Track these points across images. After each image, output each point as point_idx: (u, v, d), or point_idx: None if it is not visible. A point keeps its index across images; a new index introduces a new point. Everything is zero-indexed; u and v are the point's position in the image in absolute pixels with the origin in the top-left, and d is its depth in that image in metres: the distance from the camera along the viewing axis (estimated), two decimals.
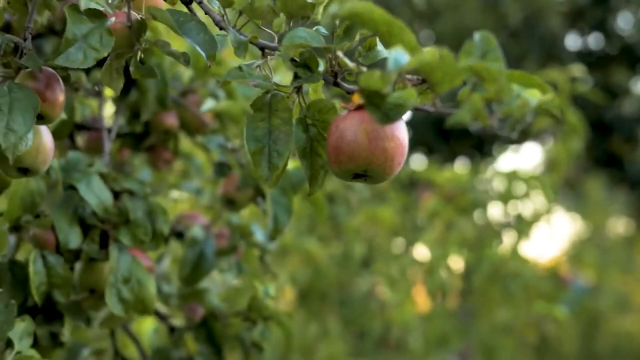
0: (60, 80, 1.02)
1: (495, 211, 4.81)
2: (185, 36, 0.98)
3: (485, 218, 4.73)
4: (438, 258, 4.06)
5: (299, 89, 0.96)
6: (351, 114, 0.89)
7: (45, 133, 1.02)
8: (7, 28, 1.19)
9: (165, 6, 1.08)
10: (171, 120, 1.51)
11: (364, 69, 0.87)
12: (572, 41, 8.72)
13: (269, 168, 0.93)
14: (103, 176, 1.28)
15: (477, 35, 0.79)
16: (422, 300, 4.37)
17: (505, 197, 4.23)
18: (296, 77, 0.93)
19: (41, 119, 0.98)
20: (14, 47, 1.00)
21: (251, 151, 0.93)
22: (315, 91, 0.99)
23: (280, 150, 0.94)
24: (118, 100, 1.48)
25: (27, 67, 0.99)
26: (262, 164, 0.93)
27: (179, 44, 1.30)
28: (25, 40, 1.02)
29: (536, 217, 4.32)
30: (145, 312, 1.28)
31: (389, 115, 0.79)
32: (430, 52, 0.75)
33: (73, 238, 1.22)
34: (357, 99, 0.89)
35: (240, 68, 0.94)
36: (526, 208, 4.34)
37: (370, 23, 0.81)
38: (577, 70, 3.59)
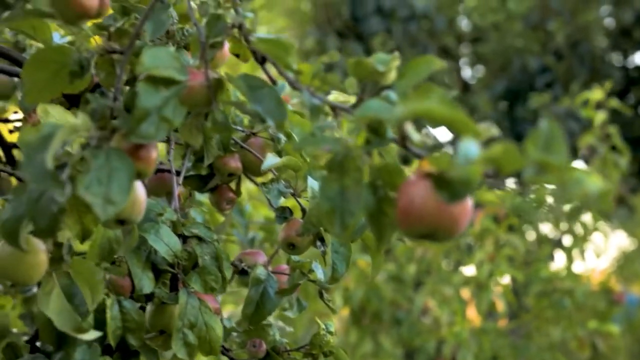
0: None
1: (545, 228, 4.79)
2: (257, 104, 1.03)
3: (535, 235, 4.72)
4: (489, 276, 4.07)
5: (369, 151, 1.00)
6: (420, 179, 0.92)
7: (139, 186, 1.07)
8: (94, 88, 1.24)
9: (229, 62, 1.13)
10: (235, 163, 1.56)
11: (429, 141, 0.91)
12: (617, 59, 8.66)
13: (341, 227, 0.97)
14: (172, 223, 1.34)
15: (543, 124, 0.82)
16: (474, 318, 4.37)
17: (556, 214, 4.22)
18: (367, 142, 0.97)
19: (136, 175, 1.02)
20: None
21: (325, 211, 0.97)
22: (384, 153, 1.03)
23: (352, 210, 0.98)
24: (184, 145, 1.54)
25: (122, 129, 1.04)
26: (335, 223, 0.97)
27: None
28: (115, 100, 1.08)
29: (587, 234, 4.30)
30: (211, 353, 1.33)
31: (455, 193, 0.83)
32: (498, 148, 0.80)
33: (146, 283, 1.28)
34: (425, 165, 0.92)
35: (313, 133, 0.98)
36: (577, 225, 4.32)
37: (434, 120, 0.86)
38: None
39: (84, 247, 1.27)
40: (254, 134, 1.60)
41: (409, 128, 0.96)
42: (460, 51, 9.28)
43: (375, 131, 0.97)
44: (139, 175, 1.04)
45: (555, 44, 8.19)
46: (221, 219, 1.84)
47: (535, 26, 8.40)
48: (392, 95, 0.97)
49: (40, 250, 1.13)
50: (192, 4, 1.21)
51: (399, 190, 0.95)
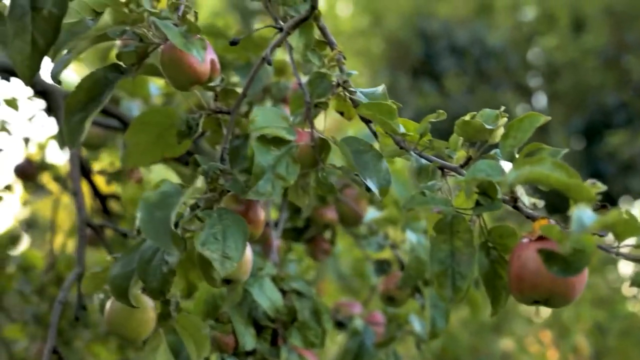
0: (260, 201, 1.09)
1: (626, 268, 4.69)
2: (361, 170, 1.03)
3: (616, 275, 4.61)
4: (571, 318, 3.99)
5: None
6: (533, 243, 0.91)
7: (248, 247, 1.09)
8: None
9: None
10: (331, 214, 1.57)
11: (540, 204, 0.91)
12: None
13: (452, 290, 0.97)
14: (273, 277, 1.35)
15: None
16: None
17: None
18: (477, 204, 0.97)
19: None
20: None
21: (435, 273, 0.97)
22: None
23: (463, 273, 0.97)
24: (282, 197, 1.55)
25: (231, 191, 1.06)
26: (446, 285, 0.97)
27: None
28: (223, 161, 1.10)
29: None
30: None
31: (570, 265, 0.81)
32: (614, 214, 0.79)
33: (249, 340, 1.29)
34: (538, 228, 0.91)
35: (423, 193, 0.98)
36: None
37: (548, 184, 0.85)
38: None
39: (188, 303, 1.29)
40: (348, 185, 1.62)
41: (520, 190, 0.96)
42: (535, 88, 9.19)
43: (485, 192, 0.97)
44: (249, 237, 1.05)
45: (632, 79, 8.05)
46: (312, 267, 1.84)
47: (610, 62, 8.27)
48: (500, 154, 0.97)
49: (149, 307, 1.15)
50: (292, 57, 1.23)
51: (511, 252, 0.94)
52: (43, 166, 2.11)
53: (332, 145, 1.10)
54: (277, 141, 1.06)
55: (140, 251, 1.07)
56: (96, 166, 2.01)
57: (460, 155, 1.05)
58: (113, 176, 1.85)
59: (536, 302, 0.93)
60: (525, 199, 0.95)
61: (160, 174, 1.24)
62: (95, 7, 1.03)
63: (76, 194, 1.47)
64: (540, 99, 9.37)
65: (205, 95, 1.22)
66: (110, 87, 1.03)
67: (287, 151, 1.06)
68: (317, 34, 1.20)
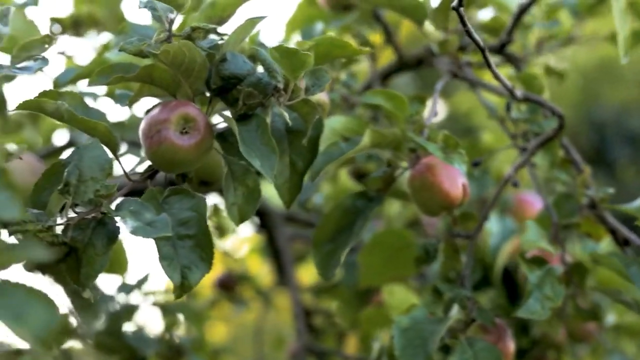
0: (508, 329, 1.04)
1: None
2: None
3: None
4: None
5: None
6: None
7: None
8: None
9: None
10: (561, 335, 1.48)
11: None
12: None
13: None
14: None
15: None
16: None
17: None
18: None
19: None
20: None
21: None
22: None
23: None
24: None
25: (476, 321, 1.02)
26: None
27: None
28: (463, 287, 1.06)
29: None
30: None
31: None
32: None
33: None
34: None
35: None
36: None
37: None
38: None
39: None
40: None
41: None
42: None
43: None
44: None
45: None
46: None
47: None
48: None
49: None
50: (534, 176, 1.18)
51: None
52: (243, 278, 2.11)
53: (588, 267, 1.05)
54: (538, 261, 1.03)
55: None
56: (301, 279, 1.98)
57: None
58: (322, 290, 1.82)
59: None
60: None
61: (402, 297, 1.21)
62: (345, 132, 1.02)
63: (297, 317, 1.45)
64: None
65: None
66: (361, 216, 1.00)
67: (547, 271, 1.02)
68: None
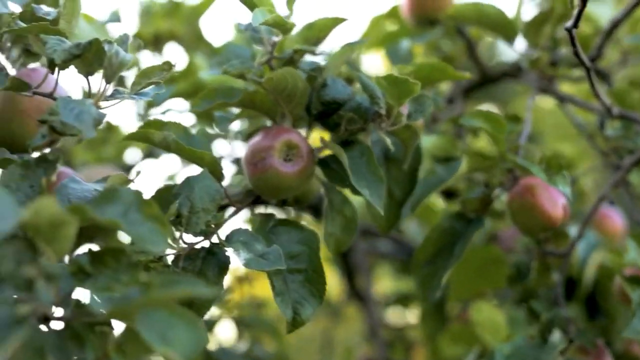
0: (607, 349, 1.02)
1: None
2: None
3: None
4: None
5: None
6: None
7: None
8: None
9: None
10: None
11: None
12: None
13: None
14: None
15: None
16: None
17: None
18: None
19: None
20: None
21: None
22: None
23: None
24: None
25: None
26: None
27: None
28: (557, 306, 1.05)
29: None
30: None
31: None
32: None
33: None
34: None
35: None
36: None
37: None
38: None
39: None
40: None
41: None
42: None
43: None
44: None
45: None
46: None
47: None
48: None
49: None
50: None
51: None
52: None
53: None
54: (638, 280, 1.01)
55: None
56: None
57: None
58: (393, 303, 1.81)
59: None
60: None
61: (489, 314, 1.20)
62: (436, 151, 1.02)
63: (373, 331, 1.44)
64: None
65: None
66: (461, 238, 0.99)
67: None
68: None
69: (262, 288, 2.02)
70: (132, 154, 1.49)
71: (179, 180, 1.30)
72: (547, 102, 1.87)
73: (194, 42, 1.42)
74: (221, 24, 2.20)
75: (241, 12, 3.36)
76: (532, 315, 1.07)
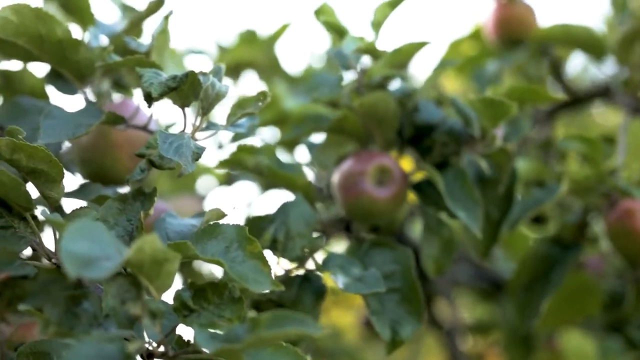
0: None
1: None
2: None
3: None
4: None
5: None
6: None
7: None
8: None
9: None
10: None
11: None
12: None
13: None
14: None
15: None
16: None
17: None
18: None
19: None
20: None
21: None
22: None
23: None
24: None
25: None
26: None
27: None
28: None
29: None
30: None
31: None
32: None
33: None
34: None
35: None
36: None
37: None
38: None
39: None
40: None
41: None
42: None
43: None
44: None
45: None
46: None
47: None
48: None
49: None
50: None
51: None
52: None
53: None
54: None
55: None
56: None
57: None
58: (474, 330, 1.76)
59: None
60: None
61: (579, 343, 1.16)
62: (527, 175, 0.99)
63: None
64: None
65: None
66: (558, 265, 0.96)
67: None
68: None
69: (339, 316, 2.01)
70: (204, 183, 1.50)
71: (255, 207, 1.30)
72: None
73: (270, 69, 1.42)
74: (293, 51, 2.20)
75: (312, 38, 3.37)
76: (629, 344, 1.03)
